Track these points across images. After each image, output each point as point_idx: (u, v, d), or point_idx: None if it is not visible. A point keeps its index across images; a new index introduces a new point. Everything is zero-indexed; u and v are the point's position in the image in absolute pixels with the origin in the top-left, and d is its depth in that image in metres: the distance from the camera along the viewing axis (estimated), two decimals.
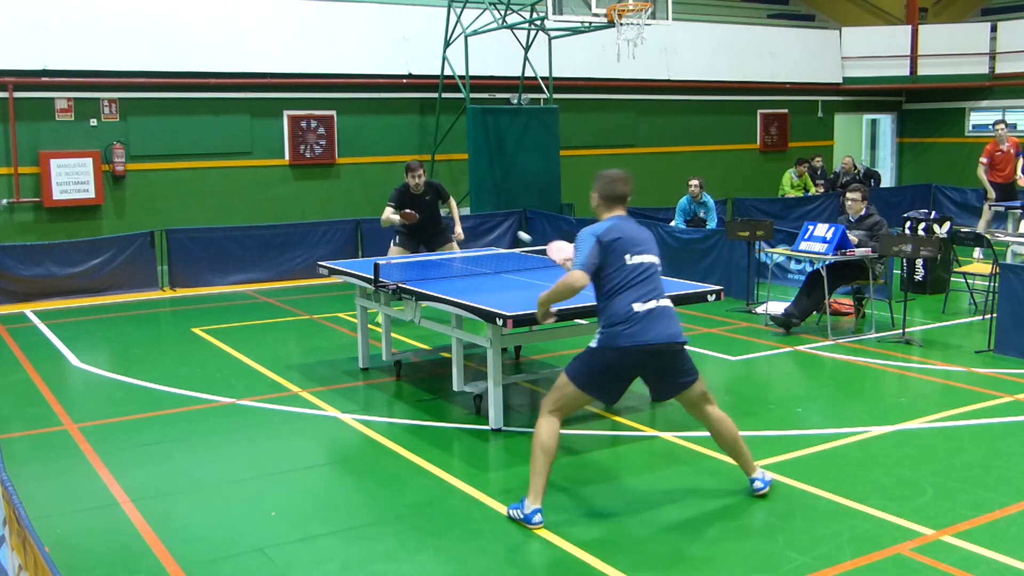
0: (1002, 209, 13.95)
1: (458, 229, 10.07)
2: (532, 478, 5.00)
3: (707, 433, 5.51)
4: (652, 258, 5.14)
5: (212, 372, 8.30)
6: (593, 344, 5.05)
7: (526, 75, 15.80)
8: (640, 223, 5.34)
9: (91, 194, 13.44)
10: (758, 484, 5.30)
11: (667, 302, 5.11)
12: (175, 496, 5.51)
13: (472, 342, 6.80)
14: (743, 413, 6.89)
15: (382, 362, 8.23)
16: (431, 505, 5.30)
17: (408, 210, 9.45)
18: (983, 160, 14.17)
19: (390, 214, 9.51)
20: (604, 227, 5.08)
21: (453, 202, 10.10)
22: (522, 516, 4.97)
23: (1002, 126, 14.14)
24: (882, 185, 20.23)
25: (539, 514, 4.95)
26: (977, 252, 12.88)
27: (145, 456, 6.19)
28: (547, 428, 5.05)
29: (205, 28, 14.12)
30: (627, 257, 5.03)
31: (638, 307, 4.95)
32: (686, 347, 5.11)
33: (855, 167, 18.45)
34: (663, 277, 5.33)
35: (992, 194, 14.05)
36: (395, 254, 9.55)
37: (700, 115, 19.11)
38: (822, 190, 17.89)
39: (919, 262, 11.19)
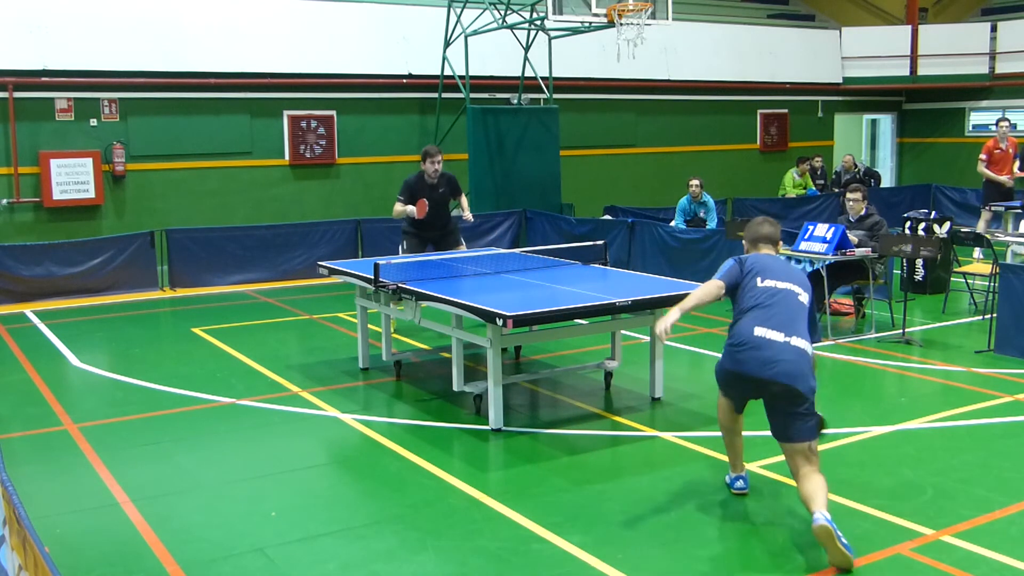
0: (1002, 209, 13.95)
1: (467, 213, 9.79)
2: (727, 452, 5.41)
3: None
4: (788, 286, 5.04)
5: (212, 372, 8.30)
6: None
7: (526, 75, 15.80)
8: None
9: (91, 194, 13.44)
10: (820, 518, 4.57)
11: (799, 342, 4.84)
12: (175, 496, 5.51)
13: (472, 342, 6.80)
14: (743, 413, 6.87)
15: (382, 362, 8.23)
16: (431, 505, 5.30)
17: (423, 199, 9.20)
18: (982, 156, 14.19)
19: (402, 207, 9.25)
20: (746, 256, 5.30)
21: (464, 198, 9.95)
22: (728, 481, 5.43)
23: (1005, 124, 14.13)
24: (882, 185, 20.23)
25: (741, 480, 5.36)
26: (977, 252, 12.88)
27: (145, 456, 6.19)
28: (720, 407, 5.30)
29: (205, 28, 14.12)
30: (758, 279, 5.06)
31: (760, 332, 4.87)
32: (804, 398, 4.77)
33: (855, 165, 18.43)
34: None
35: (1003, 179, 14.06)
36: None
37: (700, 115, 19.11)
38: (820, 191, 17.89)
39: (919, 262, 11.19)
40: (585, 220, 14.21)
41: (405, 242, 9.66)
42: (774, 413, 4.94)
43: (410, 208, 9.24)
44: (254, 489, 5.62)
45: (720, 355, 5.09)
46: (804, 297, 5.05)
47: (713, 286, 5.12)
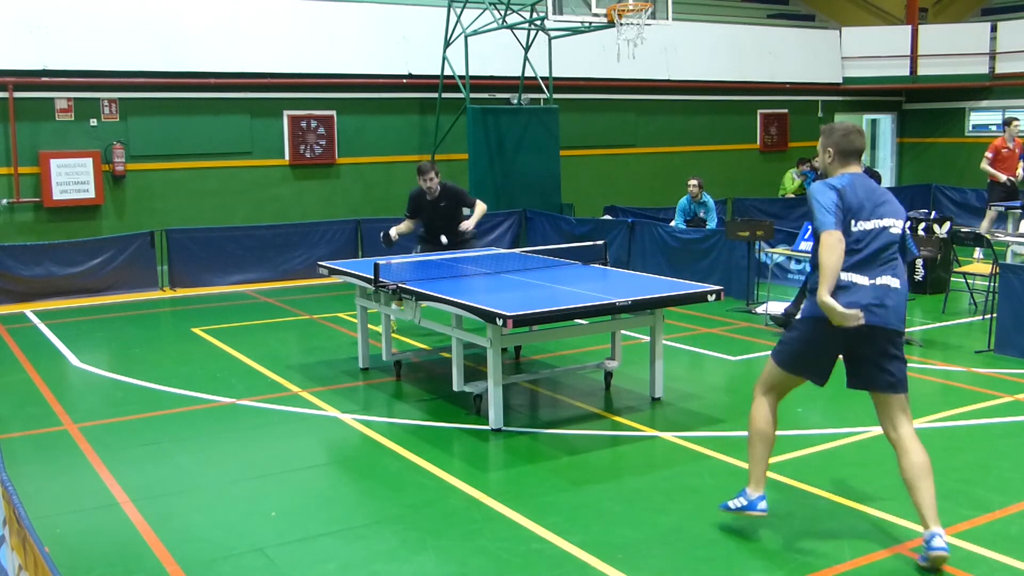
0: (1002, 209, 13.95)
1: (470, 223, 9.37)
2: (751, 465, 4.77)
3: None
4: (890, 222, 4.53)
5: (212, 372, 8.30)
6: (800, 315, 4.67)
7: (526, 75, 15.80)
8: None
9: (91, 194, 13.44)
10: (938, 542, 4.37)
11: (896, 282, 4.48)
12: (175, 496, 5.51)
13: (472, 342, 6.80)
14: (743, 413, 6.85)
15: (382, 362, 8.23)
16: (431, 505, 5.30)
17: (395, 231, 9.12)
18: (988, 154, 14.19)
19: (404, 226, 9.21)
20: (841, 182, 4.56)
21: (480, 207, 9.48)
22: (746, 503, 4.74)
23: (1018, 123, 14.11)
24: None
25: (764, 500, 4.74)
26: (977, 252, 12.88)
27: (145, 456, 6.19)
28: (759, 411, 4.77)
29: (205, 28, 14.12)
30: (853, 222, 4.47)
31: (858, 279, 4.44)
32: (901, 341, 4.56)
33: None
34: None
35: (1002, 177, 14.09)
36: None
37: (700, 115, 19.11)
38: None
39: (919, 262, 11.18)
40: (585, 220, 14.22)
41: (419, 247, 9.54)
42: (869, 363, 4.55)
43: (401, 227, 9.27)
44: (254, 489, 5.62)
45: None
46: (901, 226, 4.57)
47: (837, 243, 4.37)
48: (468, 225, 9.36)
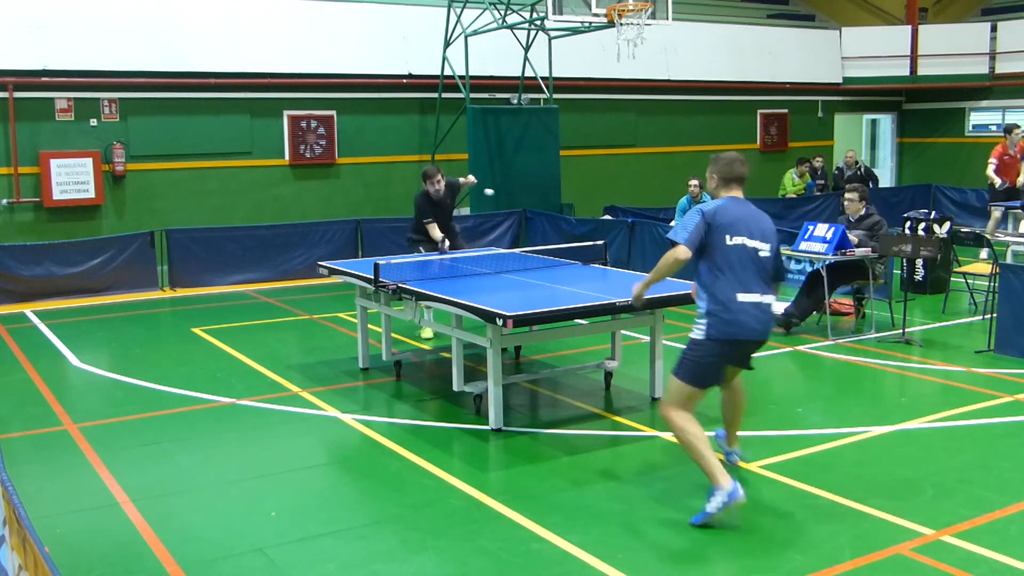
0: (1003, 208, 13.95)
1: (468, 177, 10.15)
2: (708, 466, 4.95)
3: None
4: (757, 244, 5.06)
5: (212, 372, 8.30)
6: (695, 335, 5.08)
7: (526, 75, 15.80)
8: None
9: (91, 194, 13.44)
10: (735, 457, 5.74)
11: (770, 298, 5.10)
12: (175, 496, 5.51)
13: (472, 342, 6.80)
14: (743, 413, 6.87)
15: (382, 362, 8.23)
16: (431, 505, 5.30)
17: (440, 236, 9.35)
18: (992, 160, 14.21)
19: (437, 230, 9.32)
20: (714, 205, 5.13)
21: (463, 180, 10.01)
22: (725, 500, 4.81)
23: (1019, 132, 14.12)
24: (882, 185, 20.23)
25: (738, 486, 4.88)
26: (984, 253, 12.87)
27: (145, 456, 6.19)
28: (680, 419, 5.06)
29: (205, 28, 14.12)
30: (727, 238, 5.00)
31: (742, 297, 4.98)
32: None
33: (857, 162, 18.42)
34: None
35: (997, 182, 14.16)
36: None
37: (700, 115, 19.11)
38: (819, 192, 17.89)
39: (919, 262, 11.19)
40: (585, 220, 14.22)
41: (422, 248, 9.54)
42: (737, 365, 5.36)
43: (438, 235, 9.30)
44: (254, 489, 5.62)
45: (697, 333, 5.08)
46: (770, 248, 5.12)
47: (681, 255, 4.98)
48: (471, 177, 10.20)
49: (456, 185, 9.78)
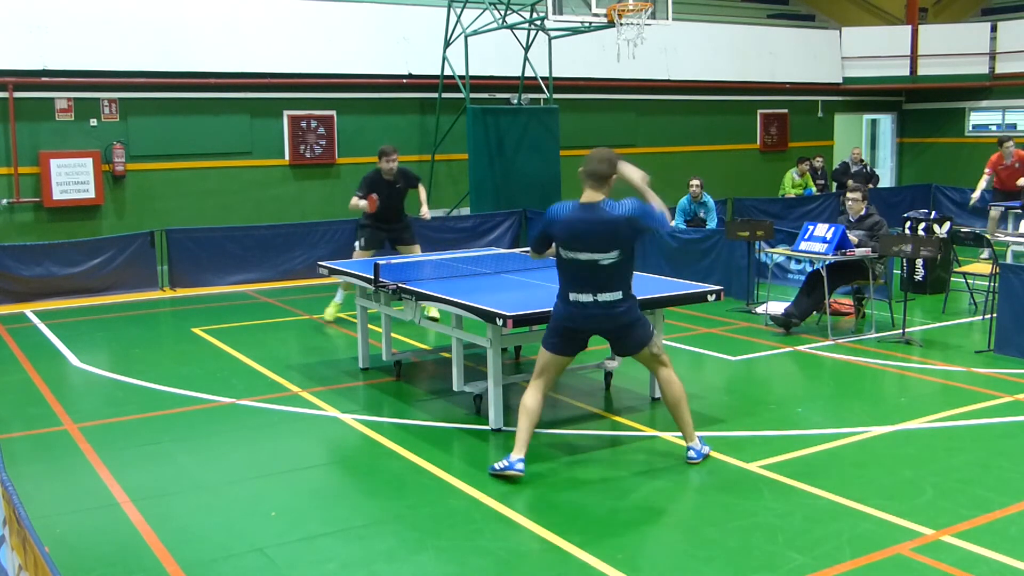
0: (1003, 209, 13.96)
1: (424, 209, 10.16)
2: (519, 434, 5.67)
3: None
4: (588, 256, 5.49)
5: (212, 372, 8.30)
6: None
7: (526, 75, 15.80)
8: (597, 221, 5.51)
9: (91, 194, 13.44)
10: (692, 454, 5.82)
11: (607, 296, 5.56)
12: (175, 496, 5.51)
13: (472, 342, 6.80)
14: (743, 413, 6.89)
15: (382, 362, 8.23)
16: (431, 505, 5.30)
17: (373, 195, 9.60)
18: (988, 171, 14.23)
19: (357, 200, 9.65)
20: (554, 213, 5.61)
21: (422, 187, 10.18)
22: (505, 466, 5.56)
23: (1010, 144, 14.12)
24: (882, 185, 20.23)
25: (518, 462, 5.56)
26: (985, 252, 12.87)
27: (145, 456, 6.19)
28: (530, 386, 5.80)
29: (205, 28, 14.11)
30: (562, 251, 5.57)
31: (573, 296, 5.58)
32: (628, 324, 5.66)
33: (862, 160, 18.43)
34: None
35: (976, 196, 14.39)
36: (360, 258, 9.59)
37: (700, 115, 19.11)
38: (819, 192, 17.90)
39: (919, 262, 11.19)
40: None
41: (363, 238, 9.96)
42: (611, 341, 5.86)
43: (363, 203, 9.61)
44: (254, 489, 5.62)
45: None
46: (599, 257, 5.49)
47: (532, 257, 6.00)
48: (427, 214, 10.24)
49: (413, 181, 10.02)
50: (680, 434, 5.96)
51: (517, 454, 5.58)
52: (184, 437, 6.61)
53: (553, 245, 5.70)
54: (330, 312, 10.31)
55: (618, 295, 5.59)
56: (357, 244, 10.11)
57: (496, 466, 5.63)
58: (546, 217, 5.66)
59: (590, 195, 5.54)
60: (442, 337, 8.78)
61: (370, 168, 10.30)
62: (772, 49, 19.84)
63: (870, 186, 18.29)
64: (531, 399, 5.72)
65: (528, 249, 5.96)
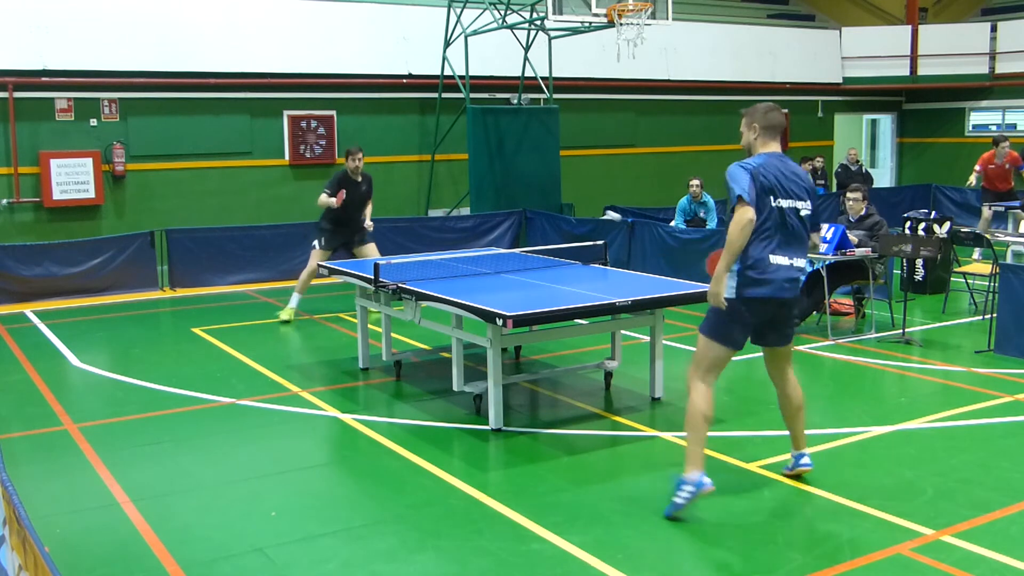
0: (1002, 209, 13.96)
1: (368, 222, 10.34)
2: (693, 447, 5.06)
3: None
4: (802, 204, 5.04)
5: (212, 372, 8.30)
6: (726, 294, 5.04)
7: (526, 75, 15.80)
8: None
9: (91, 194, 13.44)
10: (806, 460, 5.47)
11: (801, 260, 5.10)
12: (175, 496, 5.51)
13: (472, 342, 6.80)
14: (743, 413, 6.89)
15: (382, 362, 8.23)
16: (431, 505, 5.30)
17: (343, 191, 9.87)
18: (977, 168, 14.22)
19: (327, 198, 9.89)
20: (756, 162, 4.99)
21: (369, 205, 10.46)
22: (693, 490, 4.95)
23: (1005, 144, 14.11)
24: (882, 185, 20.23)
25: (705, 476, 5.02)
26: (976, 253, 12.88)
27: (145, 456, 6.19)
28: (695, 392, 5.10)
29: (205, 28, 14.11)
30: (771, 199, 4.94)
31: (776, 259, 4.98)
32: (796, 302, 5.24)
33: (858, 160, 18.45)
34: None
35: (972, 181, 14.35)
36: (319, 258, 9.86)
37: (700, 115, 19.11)
38: (823, 191, 17.91)
39: (919, 262, 11.19)
40: (585, 220, 14.21)
41: (322, 238, 10.19)
42: (772, 326, 5.21)
43: (332, 200, 9.88)
44: (254, 489, 5.62)
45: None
46: (807, 209, 5.08)
47: (748, 215, 4.83)
48: (369, 225, 10.37)
49: (369, 189, 10.33)
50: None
51: (697, 469, 5.02)
52: (184, 437, 6.61)
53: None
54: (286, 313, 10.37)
55: (804, 261, 5.17)
56: (316, 243, 10.26)
57: (679, 499, 4.98)
58: (745, 169, 4.95)
59: (774, 147, 5.13)
60: (442, 337, 8.78)
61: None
62: (772, 49, 19.84)
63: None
64: (709, 403, 5.11)
65: (748, 206, 4.84)
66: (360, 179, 10.14)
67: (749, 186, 4.86)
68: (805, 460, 5.48)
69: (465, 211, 15.25)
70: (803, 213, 5.06)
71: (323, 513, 5.26)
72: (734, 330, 5.09)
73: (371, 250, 10.21)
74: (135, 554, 4.72)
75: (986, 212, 13.99)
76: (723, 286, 4.97)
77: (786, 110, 20.17)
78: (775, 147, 5.11)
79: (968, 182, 14.70)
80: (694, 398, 5.08)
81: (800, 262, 5.09)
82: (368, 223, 10.30)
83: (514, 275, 7.89)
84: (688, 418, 5.09)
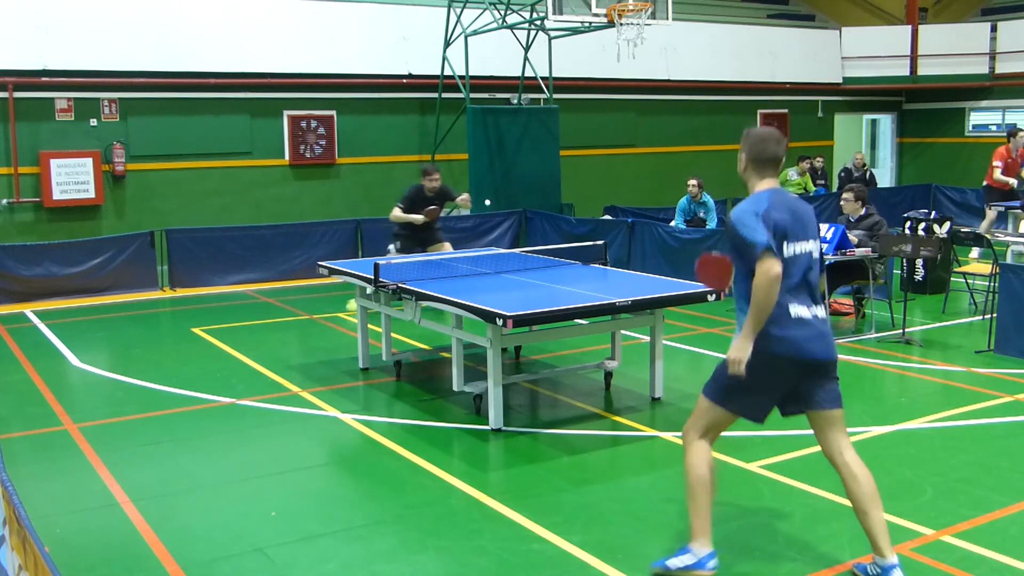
0: (1003, 209, 13.96)
1: (463, 196, 10.39)
2: (696, 517, 4.32)
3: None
4: (814, 246, 4.30)
5: (212, 372, 8.30)
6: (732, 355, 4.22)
7: (526, 75, 15.80)
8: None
9: (91, 194, 13.44)
10: (897, 574, 4.20)
11: (821, 309, 4.28)
12: (175, 496, 5.51)
13: (472, 342, 6.80)
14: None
15: (382, 362, 8.23)
16: (431, 505, 5.30)
17: (431, 207, 10.06)
18: (997, 164, 14.13)
19: (401, 213, 10.09)
20: (763, 204, 4.20)
21: (463, 196, 10.43)
22: (691, 565, 4.26)
23: (1022, 134, 14.10)
24: (882, 185, 20.23)
25: (714, 557, 4.29)
26: (975, 252, 12.87)
27: (145, 456, 6.19)
28: (692, 453, 4.34)
29: (205, 28, 14.12)
30: (785, 245, 4.17)
31: (796, 310, 4.17)
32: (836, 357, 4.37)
33: (864, 164, 18.46)
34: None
35: (1013, 183, 14.17)
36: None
37: (700, 115, 19.11)
38: (825, 191, 17.91)
39: (919, 262, 11.19)
40: (585, 220, 14.21)
41: (399, 242, 10.34)
42: (808, 389, 4.30)
43: (415, 216, 10.04)
44: (254, 489, 5.62)
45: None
46: (816, 250, 4.33)
47: (776, 269, 4.04)
48: (464, 198, 10.39)
49: (450, 195, 10.37)
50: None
51: (705, 542, 4.31)
52: (184, 437, 6.61)
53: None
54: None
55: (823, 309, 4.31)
56: (392, 247, 10.47)
57: (673, 564, 4.32)
58: (758, 209, 4.18)
59: (770, 182, 4.37)
60: (442, 337, 8.78)
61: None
62: (772, 49, 19.85)
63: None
64: (708, 464, 4.33)
65: (769, 257, 4.05)
66: (435, 195, 10.25)
67: (766, 234, 4.09)
68: (897, 573, 4.20)
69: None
70: (815, 256, 4.32)
71: (323, 513, 5.26)
72: (751, 396, 4.28)
73: (446, 247, 10.41)
74: (135, 554, 4.72)
75: (990, 213, 13.97)
76: (748, 351, 4.12)
77: (785, 110, 20.20)
78: (772, 182, 4.36)
79: (1002, 182, 14.43)
80: (690, 460, 4.33)
81: (822, 312, 4.29)
82: (462, 197, 10.33)
83: (514, 275, 7.89)
84: (687, 485, 4.33)
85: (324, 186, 15.35)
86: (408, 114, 15.94)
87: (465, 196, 10.37)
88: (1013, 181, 14.15)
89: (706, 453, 4.35)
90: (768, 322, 4.11)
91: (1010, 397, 7.19)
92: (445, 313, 6.78)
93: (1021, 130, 14.33)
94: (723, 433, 4.47)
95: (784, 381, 4.25)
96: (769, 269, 4.04)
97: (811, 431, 4.37)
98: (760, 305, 4.06)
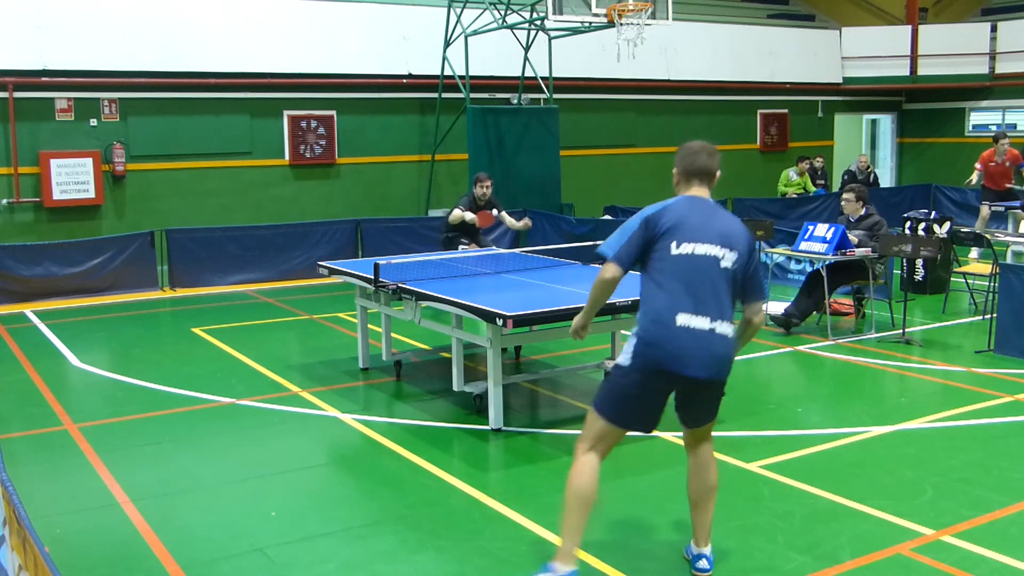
0: (1002, 209, 13.96)
1: (510, 219, 11.30)
2: (566, 533, 4.20)
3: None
4: (714, 250, 4.10)
5: (212, 372, 8.30)
6: (620, 360, 4.17)
7: (526, 75, 15.80)
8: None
9: (91, 194, 13.44)
10: (703, 564, 4.35)
11: (725, 327, 4.07)
12: (175, 496, 5.51)
13: (472, 342, 6.79)
14: (743, 413, 6.89)
15: (382, 362, 8.23)
16: (431, 505, 5.30)
17: (488, 211, 10.68)
18: (978, 166, 14.18)
19: (460, 212, 10.56)
20: (659, 207, 4.20)
21: (503, 213, 11.20)
22: None
23: (1005, 142, 14.11)
24: (882, 185, 20.23)
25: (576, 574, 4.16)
26: (974, 252, 12.88)
27: (145, 456, 6.19)
28: (579, 463, 4.25)
29: (205, 28, 14.11)
30: (673, 245, 4.09)
31: (684, 319, 4.02)
32: (725, 380, 4.21)
33: (868, 167, 18.47)
34: None
35: (973, 179, 14.25)
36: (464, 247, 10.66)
37: (700, 115, 19.11)
38: (825, 191, 17.91)
39: (919, 262, 11.19)
40: (585, 220, 14.21)
41: (464, 240, 10.86)
42: (688, 406, 4.27)
43: (470, 215, 10.55)
44: (254, 489, 5.62)
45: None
46: (731, 260, 4.13)
47: (606, 275, 4.16)
48: (515, 223, 11.47)
49: (497, 205, 10.96)
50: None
51: (568, 561, 4.14)
52: (184, 437, 6.61)
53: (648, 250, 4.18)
54: None
55: (730, 329, 4.13)
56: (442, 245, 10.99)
57: None
58: (650, 212, 4.19)
59: (699, 191, 4.31)
60: (442, 337, 8.78)
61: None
62: (772, 49, 19.85)
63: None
64: (591, 479, 4.21)
65: (610, 263, 4.16)
66: (485, 203, 10.79)
67: (621, 247, 4.14)
68: (703, 564, 4.34)
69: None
70: (724, 265, 4.09)
71: (323, 513, 5.26)
72: (630, 406, 4.18)
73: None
74: (135, 554, 4.72)
75: (984, 211, 13.98)
76: (583, 323, 4.48)
77: (785, 110, 20.19)
78: (696, 191, 4.28)
79: (968, 181, 14.70)
80: (572, 472, 4.23)
81: (723, 329, 4.05)
82: (510, 220, 11.29)
83: (514, 275, 7.89)
84: (564, 498, 4.22)
85: (324, 186, 15.35)
86: (408, 114, 15.93)
87: (527, 220, 11.23)
88: (975, 179, 14.20)
89: (590, 467, 4.22)
90: (650, 323, 4.06)
91: (1010, 397, 7.19)
92: (445, 313, 6.78)
93: (1006, 136, 14.32)
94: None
95: (657, 391, 4.15)
96: (603, 271, 4.22)
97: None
98: (593, 297, 4.33)
